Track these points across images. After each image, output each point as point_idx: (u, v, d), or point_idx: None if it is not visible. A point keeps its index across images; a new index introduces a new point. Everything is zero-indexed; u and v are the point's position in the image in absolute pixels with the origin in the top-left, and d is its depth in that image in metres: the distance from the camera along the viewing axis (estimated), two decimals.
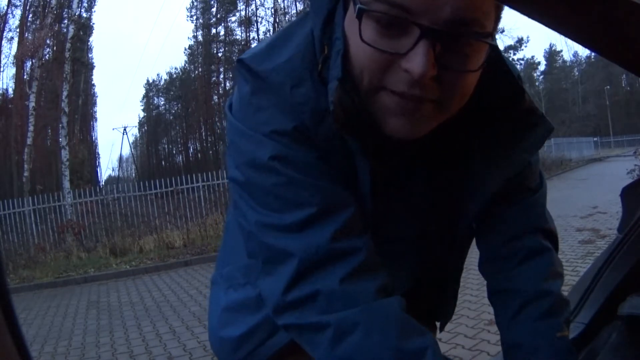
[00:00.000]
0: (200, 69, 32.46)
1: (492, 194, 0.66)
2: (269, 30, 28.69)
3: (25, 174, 13.79)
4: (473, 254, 0.79)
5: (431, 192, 0.66)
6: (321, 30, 0.56)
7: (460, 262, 0.79)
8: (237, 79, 0.58)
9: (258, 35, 30.00)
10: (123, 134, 37.55)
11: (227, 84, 30.23)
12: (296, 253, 0.53)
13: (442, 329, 0.90)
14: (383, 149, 0.59)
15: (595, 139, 30.91)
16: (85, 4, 21.46)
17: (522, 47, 34.90)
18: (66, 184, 12.26)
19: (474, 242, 0.78)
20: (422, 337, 0.52)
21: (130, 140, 39.74)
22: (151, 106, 39.04)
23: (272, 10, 26.94)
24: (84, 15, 22.07)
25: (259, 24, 30.18)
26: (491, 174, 0.63)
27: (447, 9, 0.46)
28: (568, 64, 50.24)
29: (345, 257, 0.53)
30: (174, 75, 37.07)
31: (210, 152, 31.95)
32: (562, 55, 50.26)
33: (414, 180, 0.65)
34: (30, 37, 16.78)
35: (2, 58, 18.41)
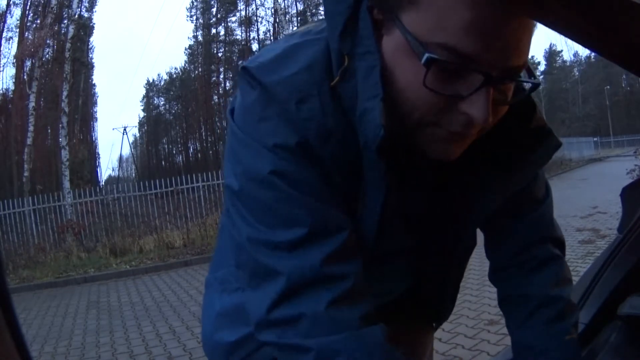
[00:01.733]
0: (200, 69, 32.46)
1: (497, 207, 0.66)
2: (269, 30, 28.72)
3: (25, 174, 13.79)
4: (473, 254, 0.80)
5: (435, 204, 0.66)
6: (339, 40, 0.53)
7: (460, 270, 0.79)
8: (242, 85, 0.56)
9: (258, 35, 30.02)
10: (123, 134, 37.61)
11: (227, 84, 30.26)
12: (284, 273, 0.52)
13: (436, 329, 0.91)
14: (403, 167, 0.59)
15: (595, 139, 30.92)
16: (85, 4, 21.49)
17: None
18: (66, 184, 12.25)
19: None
20: None
21: (130, 140, 39.79)
22: (151, 106, 39.07)
23: (272, 10, 26.95)
24: (85, 15, 22.10)
25: (259, 23, 30.21)
26: (496, 187, 0.63)
27: (511, 59, 0.47)
28: (568, 64, 50.29)
29: (333, 283, 0.52)
30: (174, 75, 37.11)
31: (210, 152, 31.96)
32: (562, 55, 50.34)
33: (420, 193, 0.64)
34: (30, 37, 16.78)
35: (1, 58, 18.41)
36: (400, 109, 0.51)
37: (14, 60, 17.78)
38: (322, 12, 0.58)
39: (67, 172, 12.73)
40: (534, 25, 0.49)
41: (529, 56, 0.51)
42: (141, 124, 39.90)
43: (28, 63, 16.87)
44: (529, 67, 0.52)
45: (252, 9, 30.13)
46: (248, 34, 30.42)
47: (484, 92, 0.47)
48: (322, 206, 0.53)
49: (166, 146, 38.91)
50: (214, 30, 31.41)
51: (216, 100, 30.30)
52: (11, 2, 17.58)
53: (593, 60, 45.19)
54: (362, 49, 0.52)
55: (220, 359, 0.73)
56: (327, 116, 0.53)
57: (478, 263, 4.69)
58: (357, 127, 0.53)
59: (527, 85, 0.54)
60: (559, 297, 0.72)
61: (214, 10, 31.16)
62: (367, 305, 0.54)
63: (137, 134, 41.37)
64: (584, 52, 47.81)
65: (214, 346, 0.74)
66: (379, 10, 0.52)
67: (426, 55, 0.46)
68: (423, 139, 0.53)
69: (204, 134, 33.23)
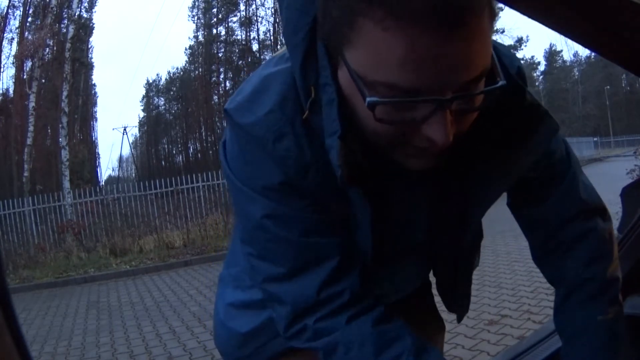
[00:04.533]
0: (200, 69, 32.46)
1: (498, 198, 0.66)
2: (269, 30, 28.72)
3: (25, 174, 13.80)
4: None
5: (434, 202, 0.66)
6: (300, 72, 0.53)
7: (471, 263, 0.79)
8: (227, 125, 0.59)
9: (258, 35, 30.02)
10: (123, 134, 37.49)
11: (227, 84, 30.25)
12: (288, 301, 0.60)
13: (459, 321, 0.89)
14: (391, 177, 0.59)
15: (595, 139, 30.93)
16: (85, 4, 21.48)
17: (522, 47, 34.93)
18: (66, 184, 12.27)
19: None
20: (398, 343, 0.57)
21: (130, 140, 39.66)
22: (151, 106, 39.03)
23: (272, 10, 26.96)
24: (84, 15, 22.09)
25: (259, 24, 30.21)
26: (495, 178, 0.62)
27: (461, 76, 0.45)
28: (568, 64, 50.24)
29: (330, 301, 0.59)
30: (174, 75, 37.09)
31: (210, 152, 31.91)
32: (562, 55, 50.31)
33: (416, 193, 0.64)
34: (30, 37, 16.77)
35: (2, 58, 18.39)
36: (366, 136, 0.52)
37: (14, 60, 17.79)
38: None
39: (67, 172, 12.76)
40: (489, 26, 0.46)
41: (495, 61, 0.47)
42: (141, 124, 39.85)
43: (28, 63, 16.87)
44: (494, 66, 0.49)
45: (253, 9, 30.15)
46: (248, 34, 30.44)
47: (439, 116, 0.46)
48: (312, 240, 0.58)
49: (166, 146, 38.85)
50: (214, 31, 31.41)
51: (216, 100, 30.28)
52: (11, 3, 17.57)
53: (593, 60, 45.17)
54: (322, 80, 0.52)
55: (232, 349, 0.78)
56: (303, 151, 0.55)
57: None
58: None
59: (499, 78, 0.50)
60: (591, 278, 0.72)
61: (215, 10, 31.16)
62: (359, 307, 0.59)
63: (137, 134, 41.32)
64: (584, 52, 47.81)
65: (227, 335, 0.79)
66: (327, 42, 0.51)
67: (367, 99, 0.45)
68: (397, 156, 0.53)
69: (204, 134, 33.20)
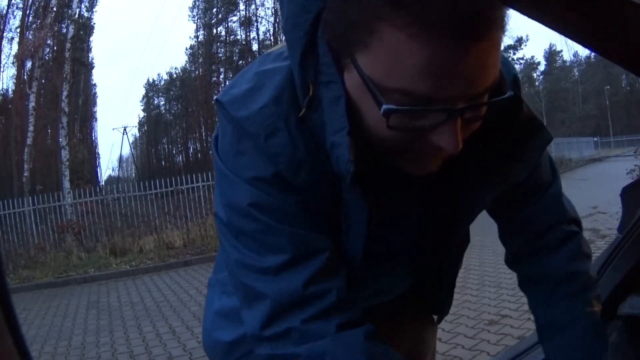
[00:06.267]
0: (200, 69, 32.47)
1: (488, 205, 0.67)
2: (268, 30, 28.73)
3: (25, 174, 13.81)
4: (470, 255, 0.80)
5: (426, 205, 0.66)
6: (299, 68, 0.52)
7: (456, 266, 0.80)
8: (220, 116, 0.58)
9: (258, 35, 30.03)
10: (123, 134, 37.47)
11: (227, 84, 30.20)
12: (270, 296, 0.56)
13: (439, 322, 0.92)
14: (387, 181, 0.59)
15: (595, 139, 30.95)
16: (86, 4, 21.48)
17: (522, 47, 34.90)
18: (66, 184, 12.28)
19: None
20: None
21: (130, 140, 39.63)
22: (151, 106, 39.04)
23: (273, 10, 26.97)
24: (85, 15, 22.09)
25: (258, 24, 30.22)
26: (487, 186, 0.63)
27: (474, 87, 0.45)
28: (568, 64, 50.25)
29: (317, 300, 0.56)
30: (174, 75, 37.10)
31: (210, 152, 31.85)
32: (562, 55, 50.30)
33: (409, 196, 0.64)
34: (30, 37, 16.78)
35: (2, 58, 18.39)
36: (370, 139, 0.51)
37: (14, 60, 17.79)
38: None
39: (67, 172, 12.77)
40: (500, 38, 0.46)
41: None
42: (141, 124, 39.86)
43: (28, 63, 16.88)
44: (502, 76, 0.50)
45: (253, 9, 30.14)
46: (248, 34, 30.44)
47: (450, 123, 0.46)
48: (302, 232, 0.56)
49: (166, 146, 38.87)
50: (214, 31, 31.41)
51: None
52: (12, 3, 17.57)
53: (593, 60, 45.17)
54: (325, 78, 0.51)
55: (218, 357, 0.76)
56: (297, 148, 0.54)
57: (478, 263, 4.69)
58: (330, 155, 0.53)
59: (506, 89, 0.51)
60: (577, 272, 0.73)
61: (215, 10, 31.15)
62: (349, 315, 0.57)
63: (137, 134, 41.33)
64: (584, 52, 47.79)
65: (212, 344, 0.77)
66: (336, 44, 0.50)
67: (384, 107, 0.45)
68: (398, 161, 0.53)
69: (204, 134, 33.20)
